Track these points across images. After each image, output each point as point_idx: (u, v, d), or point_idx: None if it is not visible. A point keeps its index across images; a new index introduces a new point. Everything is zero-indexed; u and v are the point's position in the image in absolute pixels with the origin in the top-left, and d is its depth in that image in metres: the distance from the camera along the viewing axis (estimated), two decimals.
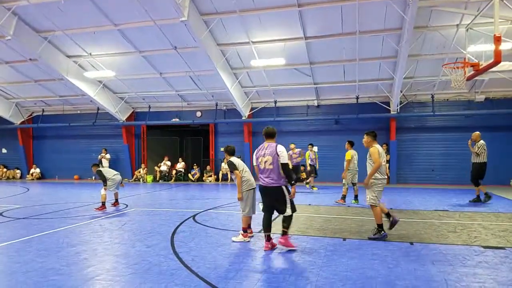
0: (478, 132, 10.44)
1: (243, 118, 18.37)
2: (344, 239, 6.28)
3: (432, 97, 16.17)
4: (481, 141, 10.25)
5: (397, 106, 16.34)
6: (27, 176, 21.68)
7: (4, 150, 23.18)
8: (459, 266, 4.83)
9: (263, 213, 5.83)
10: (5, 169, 22.34)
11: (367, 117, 16.86)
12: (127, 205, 10.53)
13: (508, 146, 15.54)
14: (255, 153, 5.77)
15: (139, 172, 19.65)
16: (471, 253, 5.48)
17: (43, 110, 21.38)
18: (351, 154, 10.39)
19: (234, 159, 6.45)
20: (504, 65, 8.07)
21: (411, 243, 5.99)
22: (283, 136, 18.12)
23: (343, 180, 10.52)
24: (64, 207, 10.31)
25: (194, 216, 8.64)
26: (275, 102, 18.17)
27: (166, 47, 14.45)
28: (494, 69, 8.15)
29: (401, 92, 15.56)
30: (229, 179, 18.47)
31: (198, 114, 19.80)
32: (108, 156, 19.44)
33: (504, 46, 9.62)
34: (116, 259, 5.35)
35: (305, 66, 15.08)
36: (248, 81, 16.87)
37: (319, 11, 11.98)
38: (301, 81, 16.33)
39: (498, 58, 7.45)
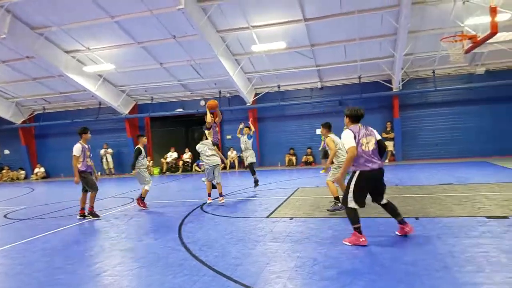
0: None
1: (247, 104, 18.44)
2: None
3: (433, 72, 16.14)
4: None
5: (399, 83, 16.32)
6: (32, 176, 21.76)
7: (6, 151, 23.09)
8: (463, 238, 4.97)
9: (353, 205, 5.00)
10: (9, 171, 22.24)
11: (370, 96, 16.87)
12: (133, 199, 10.35)
13: (510, 117, 15.51)
14: (351, 135, 4.95)
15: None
16: (475, 224, 5.63)
17: (44, 108, 21.51)
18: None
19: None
20: (501, 36, 8.07)
21: (416, 218, 6.15)
22: (289, 120, 18.23)
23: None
24: (69, 205, 10.24)
25: (201, 206, 8.73)
26: (279, 86, 18.19)
27: (165, 36, 14.45)
28: (492, 40, 8.15)
29: (402, 69, 15.52)
30: (236, 167, 18.67)
31: (202, 103, 19.84)
32: (110, 150, 19.60)
33: (500, 18, 9.56)
34: (123, 254, 5.40)
35: (306, 48, 15.04)
36: (250, 66, 16.87)
37: None
38: (303, 64, 16.31)
39: (494, 29, 7.45)
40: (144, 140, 9.41)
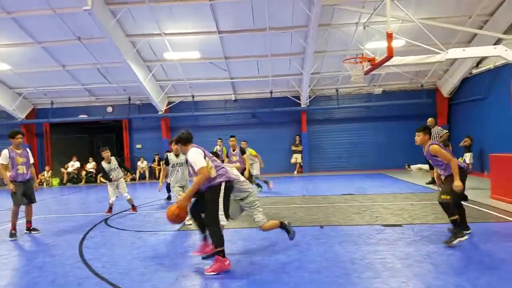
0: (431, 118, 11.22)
1: (159, 113, 17.79)
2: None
3: (337, 91, 17.49)
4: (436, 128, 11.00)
5: (307, 100, 17.31)
6: None
7: None
8: (363, 245, 5.35)
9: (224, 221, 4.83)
10: None
11: (280, 111, 17.57)
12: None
13: (403, 134, 17.39)
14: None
15: (43, 175, 17.83)
16: (373, 232, 6.10)
17: None
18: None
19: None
20: (396, 60, 8.97)
21: (321, 227, 6.46)
22: (202, 130, 18.02)
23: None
24: None
25: (106, 220, 8.13)
26: (193, 96, 17.94)
27: (69, 37, 13.28)
28: (388, 63, 9.01)
29: (309, 86, 16.50)
30: (147, 178, 17.77)
31: (109, 109, 18.63)
32: None
33: (396, 43, 10.76)
34: (14, 274, 4.84)
35: (220, 60, 15.11)
36: (162, 74, 16.35)
37: (230, 6, 12.05)
38: (217, 75, 16.33)
39: (390, 53, 8.29)
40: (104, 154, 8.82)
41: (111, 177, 8.75)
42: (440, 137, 10.70)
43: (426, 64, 9.61)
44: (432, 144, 5.25)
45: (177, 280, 4.30)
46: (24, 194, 6.99)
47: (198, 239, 6.09)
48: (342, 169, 17.67)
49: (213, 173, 4.54)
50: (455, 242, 5.01)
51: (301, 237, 5.60)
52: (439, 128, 11.18)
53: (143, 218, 8.23)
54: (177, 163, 7.42)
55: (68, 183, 17.92)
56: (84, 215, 8.96)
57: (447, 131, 11.82)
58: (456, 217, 5.15)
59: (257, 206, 5.12)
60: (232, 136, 10.71)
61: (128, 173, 9.27)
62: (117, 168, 8.82)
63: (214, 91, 17.74)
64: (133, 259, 5.18)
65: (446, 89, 16.54)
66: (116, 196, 8.90)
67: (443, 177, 5.43)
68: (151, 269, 4.71)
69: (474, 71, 14.65)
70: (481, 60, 14.17)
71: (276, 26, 13.06)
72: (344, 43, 13.91)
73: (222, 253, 4.47)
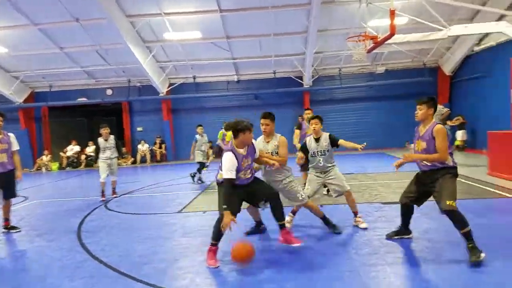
0: None
1: (160, 95, 17.71)
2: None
3: (340, 70, 17.28)
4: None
5: (310, 80, 17.14)
6: None
7: None
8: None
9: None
10: None
11: (283, 91, 17.43)
12: (26, 198, 9.42)
13: (405, 112, 17.24)
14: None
15: (42, 160, 17.82)
16: (372, 209, 6.15)
17: None
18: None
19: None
20: (398, 38, 8.85)
21: (321, 206, 6.48)
22: (205, 112, 17.97)
23: None
24: None
25: (106, 203, 8.15)
26: (194, 77, 17.80)
27: (66, 19, 13.08)
28: (390, 41, 8.90)
29: (312, 66, 16.31)
30: (148, 161, 17.83)
31: (109, 92, 18.54)
32: None
33: (399, 21, 10.56)
34: (9, 259, 4.86)
35: (222, 40, 14.90)
36: (163, 55, 16.19)
37: None
38: (219, 55, 16.12)
39: (393, 30, 8.16)
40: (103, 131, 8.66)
41: (104, 155, 8.57)
42: (442, 115, 10.64)
43: (429, 41, 9.52)
44: (439, 124, 4.23)
45: (176, 261, 4.35)
46: (2, 187, 5.98)
47: (196, 220, 6.17)
48: (343, 149, 17.56)
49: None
50: (481, 258, 3.80)
51: (303, 216, 5.64)
52: (441, 106, 11.04)
53: (144, 201, 8.30)
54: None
55: (68, 167, 17.90)
56: (83, 199, 8.99)
57: (448, 109, 11.75)
58: (469, 228, 3.94)
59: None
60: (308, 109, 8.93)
61: (120, 157, 9.14)
62: (113, 147, 8.70)
63: (216, 72, 17.57)
64: (133, 241, 5.20)
65: (448, 68, 16.35)
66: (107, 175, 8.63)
67: (424, 168, 4.33)
68: (150, 251, 4.73)
69: (476, 49, 14.43)
70: (483, 38, 13.95)
71: (279, 4, 12.79)
72: (347, 21, 13.63)
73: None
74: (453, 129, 14.75)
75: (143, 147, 18.03)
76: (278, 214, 4.47)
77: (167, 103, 18.17)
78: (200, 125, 10.82)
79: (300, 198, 4.91)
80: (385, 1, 10.76)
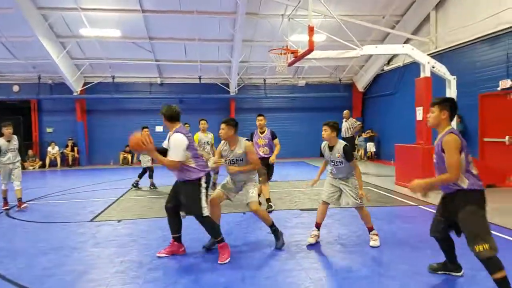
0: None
1: (74, 94, 16.40)
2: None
3: (264, 81, 17.81)
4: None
5: (236, 88, 17.33)
6: None
7: None
8: (282, 228, 5.45)
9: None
10: None
11: (209, 97, 17.35)
12: None
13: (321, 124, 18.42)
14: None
15: None
16: (291, 216, 6.36)
17: None
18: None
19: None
20: (316, 53, 9.37)
21: (244, 213, 6.55)
22: (125, 114, 17.07)
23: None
24: None
25: (7, 211, 7.32)
26: (113, 77, 16.83)
27: None
28: (310, 56, 9.36)
29: (238, 74, 16.52)
30: (58, 165, 16.34)
31: (16, 88, 16.65)
32: None
33: (318, 38, 11.19)
34: None
35: (145, 40, 14.35)
36: (79, 52, 15.06)
37: None
38: (141, 56, 15.46)
39: (311, 46, 8.59)
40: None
41: (6, 158, 7.52)
42: (354, 128, 11.66)
43: (345, 59, 10.21)
44: (451, 133, 3.20)
45: (85, 273, 4.03)
46: None
47: (109, 230, 5.81)
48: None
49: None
50: None
51: (225, 224, 5.60)
52: (354, 120, 12.09)
53: (52, 209, 7.56)
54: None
55: None
56: None
57: (360, 122, 12.82)
58: (504, 273, 2.97)
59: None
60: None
61: (22, 160, 8.11)
62: (16, 149, 7.69)
63: (137, 73, 16.82)
64: (37, 252, 4.73)
65: (361, 84, 17.80)
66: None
67: (444, 190, 3.39)
68: (56, 263, 4.34)
69: (386, 68, 15.96)
70: (392, 58, 15.48)
71: (204, 10, 12.75)
72: (271, 34, 14.10)
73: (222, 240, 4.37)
74: (365, 141, 16.25)
75: (53, 150, 16.49)
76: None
77: (82, 102, 16.89)
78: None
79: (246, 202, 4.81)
80: (305, 18, 11.39)
